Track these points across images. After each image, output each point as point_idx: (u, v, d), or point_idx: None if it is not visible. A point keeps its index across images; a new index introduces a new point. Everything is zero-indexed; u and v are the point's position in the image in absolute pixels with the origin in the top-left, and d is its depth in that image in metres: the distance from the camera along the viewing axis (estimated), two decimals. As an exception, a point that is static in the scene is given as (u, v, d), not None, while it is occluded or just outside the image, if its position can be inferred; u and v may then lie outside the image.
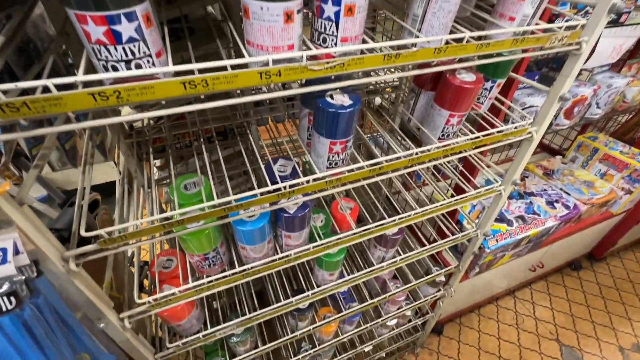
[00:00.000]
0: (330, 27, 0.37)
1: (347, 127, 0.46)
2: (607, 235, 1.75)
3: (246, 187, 0.97)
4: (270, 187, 0.48)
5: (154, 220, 0.43)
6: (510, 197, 1.33)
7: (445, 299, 1.14)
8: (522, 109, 0.95)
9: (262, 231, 0.53)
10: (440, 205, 0.73)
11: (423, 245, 0.87)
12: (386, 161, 0.55)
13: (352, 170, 0.53)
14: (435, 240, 0.87)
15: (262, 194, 0.49)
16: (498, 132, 0.63)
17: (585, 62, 0.99)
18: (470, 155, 0.85)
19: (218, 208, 0.47)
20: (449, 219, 0.98)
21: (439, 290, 1.11)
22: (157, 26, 0.33)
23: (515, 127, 0.67)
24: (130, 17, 0.28)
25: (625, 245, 1.93)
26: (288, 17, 0.33)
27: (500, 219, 1.23)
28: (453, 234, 0.90)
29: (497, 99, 0.79)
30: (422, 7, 0.43)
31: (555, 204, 1.35)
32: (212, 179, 0.53)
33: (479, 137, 0.60)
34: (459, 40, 0.44)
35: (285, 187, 0.49)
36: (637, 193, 1.42)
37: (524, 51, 0.53)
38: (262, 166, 0.54)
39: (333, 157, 0.50)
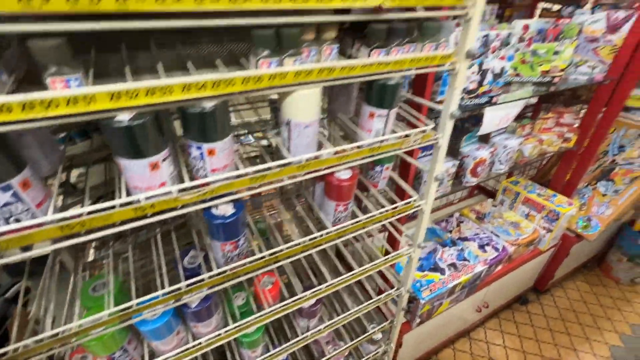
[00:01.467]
0: (200, 162, 0.46)
1: (232, 232, 0.54)
2: (544, 269, 1.89)
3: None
4: (168, 289, 0.54)
5: (43, 339, 0.46)
6: (444, 245, 1.43)
7: (389, 354, 1.17)
8: (472, 158, 1.08)
9: (167, 326, 0.57)
10: (352, 274, 0.80)
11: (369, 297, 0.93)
12: (286, 248, 0.63)
13: (251, 261, 0.60)
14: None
15: (163, 294, 0.54)
16: (392, 209, 0.74)
17: (478, 132, 1.16)
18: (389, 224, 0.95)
19: (119, 314, 0.51)
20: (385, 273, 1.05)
21: (380, 346, 1.14)
22: (40, 181, 0.40)
23: (407, 203, 0.78)
24: (6, 188, 0.35)
25: (565, 274, 2.08)
26: (154, 166, 0.41)
27: (435, 268, 1.32)
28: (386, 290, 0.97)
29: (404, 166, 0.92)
30: (287, 132, 0.53)
31: (486, 248, 1.47)
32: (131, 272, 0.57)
33: (363, 219, 0.69)
34: (320, 155, 0.54)
35: (184, 287, 0.55)
36: (556, 230, 1.58)
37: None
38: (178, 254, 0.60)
39: (227, 254, 0.57)
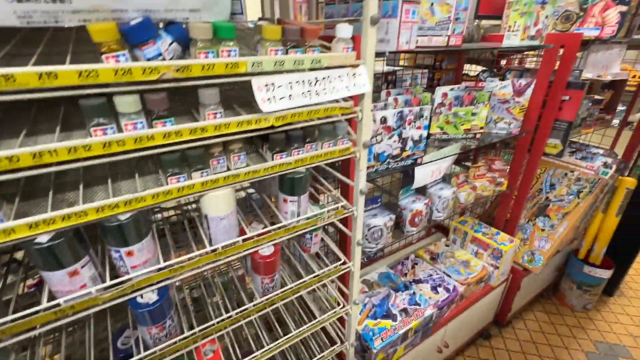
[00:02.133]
0: (120, 262, 0.53)
1: (157, 317, 0.59)
2: (501, 303, 1.98)
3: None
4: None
5: None
6: (396, 290, 1.50)
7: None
8: (368, 230, 1.17)
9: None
10: (287, 338, 0.85)
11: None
12: (216, 322, 0.68)
13: (181, 339, 0.64)
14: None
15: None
16: (315, 276, 0.81)
17: (412, 185, 1.28)
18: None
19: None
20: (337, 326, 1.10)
21: (335, 401, 1.16)
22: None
23: (335, 267, 0.86)
24: None
25: (524, 305, 2.17)
26: (73, 273, 0.48)
27: (387, 314, 1.38)
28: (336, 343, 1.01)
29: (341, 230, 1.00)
30: (206, 224, 0.61)
31: (438, 289, 1.55)
32: None
33: (293, 286, 0.76)
34: (238, 241, 0.62)
35: (111, 372, 0.58)
36: (502, 267, 1.70)
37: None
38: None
39: (155, 336, 0.61)
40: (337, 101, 0.63)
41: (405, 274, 1.67)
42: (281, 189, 0.67)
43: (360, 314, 1.38)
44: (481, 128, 1.38)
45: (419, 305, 1.42)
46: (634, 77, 2.92)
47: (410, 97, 1.24)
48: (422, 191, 1.41)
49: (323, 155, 0.65)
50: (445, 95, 1.30)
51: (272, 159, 0.60)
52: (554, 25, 1.46)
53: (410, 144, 1.08)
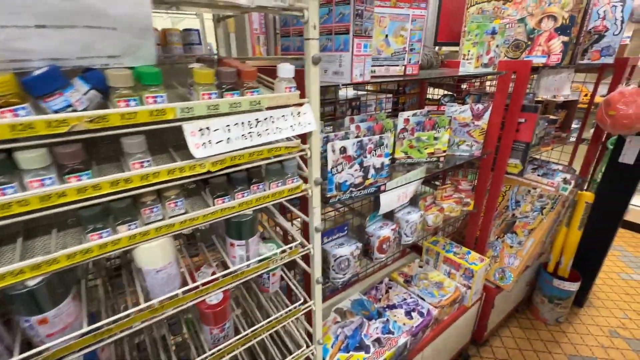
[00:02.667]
0: (32, 331, 0.46)
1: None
2: (476, 322, 1.97)
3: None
4: None
5: None
6: (370, 318, 1.46)
7: None
8: (335, 260, 1.14)
9: None
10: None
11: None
12: (158, 382, 0.62)
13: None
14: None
15: None
16: (272, 320, 0.76)
17: (379, 212, 1.27)
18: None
19: None
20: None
21: None
22: None
23: (295, 308, 0.82)
24: None
25: (500, 322, 2.18)
26: (-31, 352, 0.41)
27: (360, 346, 1.33)
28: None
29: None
30: (141, 277, 0.56)
31: (412, 314, 1.53)
32: None
33: (247, 334, 0.71)
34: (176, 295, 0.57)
35: None
36: (475, 286, 1.70)
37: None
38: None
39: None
40: (288, 139, 0.61)
41: (380, 299, 1.63)
42: (228, 233, 0.63)
43: (332, 346, 1.32)
44: (444, 151, 1.40)
45: (393, 333, 1.38)
46: (585, 95, 3.13)
47: (373, 123, 1.25)
48: (390, 216, 1.40)
49: (271, 196, 0.62)
50: (407, 121, 1.33)
51: (214, 204, 0.57)
52: (506, 53, 1.53)
53: (372, 172, 1.08)
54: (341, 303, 1.56)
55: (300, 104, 0.60)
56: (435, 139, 1.38)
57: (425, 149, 1.39)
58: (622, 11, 1.60)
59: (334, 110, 1.43)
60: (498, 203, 2.03)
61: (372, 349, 1.31)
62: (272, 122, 0.57)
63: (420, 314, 1.52)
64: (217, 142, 0.51)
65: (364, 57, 0.89)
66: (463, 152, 1.52)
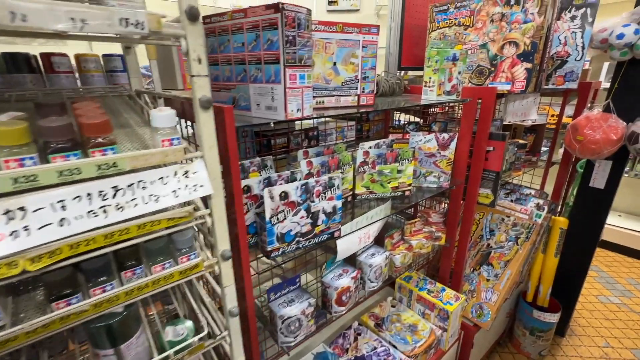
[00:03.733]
0: None
1: None
2: (455, 364, 1.82)
3: None
4: None
5: None
6: (333, 378, 1.27)
7: None
8: (282, 322, 0.97)
9: None
10: None
11: None
12: None
13: None
14: None
15: None
16: None
17: (336, 257, 1.11)
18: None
19: None
20: None
21: None
22: None
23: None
24: None
25: (481, 359, 2.03)
26: None
27: (320, 416, 1.14)
28: None
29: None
30: None
31: (383, 367, 1.35)
32: None
33: None
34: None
35: None
36: (451, 328, 1.55)
37: None
38: None
39: None
40: (187, 206, 0.45)
41: (347, 350, 1.45)
42: (91, 341, 0.45)
43: (287, 420, 1.12)
44: (409, 185, 1.28)
45: (359, 396, 1.20)
46: (552, 116, 3.17)
47: (328, 158, 1.11)
48: (352, 259, 1.25)
49: (152, 284, 0.45)
50: (367, 153, 1.20)
51: (51, 310, 0.39)
52: (470, 79, 1.46)
53: (322, 217, 0.93)
54: (304, 357, 1.36)
55: (189, 160, 0.45)
56: (399, 172, 1.26)
57: (389, 182, 1.26)
58: (582, 37, 1.58)
59: (287, 142, 1.29)
60: (472, 232, 1.93)
61: (334, 421, 1.12)
62: (143, 188, 0.41)
63: (392, 366, 1.35)
64: (40, 228, 0.34)
65: (302, 90, 0.75)
66: (431, 183, 1.41)
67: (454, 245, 1.63)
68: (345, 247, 1.09)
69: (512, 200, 1.97)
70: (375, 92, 1.40)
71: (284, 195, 0.84)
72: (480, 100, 1.35)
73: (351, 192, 1.24)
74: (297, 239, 0.90)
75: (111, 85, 1.02)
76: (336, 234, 0.98)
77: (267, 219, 0.82)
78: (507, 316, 2.15)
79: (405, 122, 1.46)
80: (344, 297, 1.10)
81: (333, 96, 0.97)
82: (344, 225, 1.05)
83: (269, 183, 0.92)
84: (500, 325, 2.12)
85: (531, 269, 2.10)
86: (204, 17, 0.78)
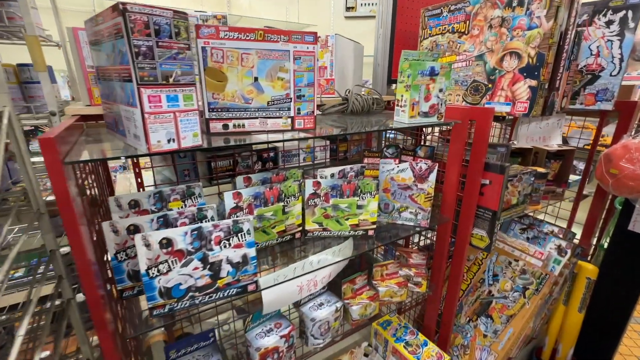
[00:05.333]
0: None
1: None
2: None
3: None
4: None
5: None
6: None
7: None
8: (255, 349, 0.80)
9: None
10: None
11: None
12: None
13: None
14: None
15: None
16: None
17: (262, 311, 0.92)
18: None
19: None
20: None
21: None
22: None
23: None
24: None
25: None
26: None
27: None
28: None
29: None
30: None
31: None
32: None
33: None
34: None
35: None
36: (428, 396, 1.29)
37: None
38: None
39: None
40: None
41: (298, 407, 1.24)
42: None
43: None
44: (373, 223, 1.06)
45: None
46: (603, 136, 2.71)
47: (264, 189, 0.93)
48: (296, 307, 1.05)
49: None
50: (317, 184, 1.00)
51: None
52: (465, 97, 1.21)
53: (227, 268, 0.75)
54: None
55: None
56: (360, 207, 1.04)
57: (347, 219, 1.05)
58: (620, 47, 1.25)
59: (233, 165, 1.12)
60: (472, 275, 1.63)
61: None
62: None
63: None
64: None
65: (174, 115, 0.58)
66: (406, 220, 1.17)
67: (440, 296, 1.36)
68: (273, 298, 0.90)
69: (527, 239, 1.64)
70: (345, 109, 1.20)
71: (167, 243, 0.67)
72: (472, 123, 1.10)
73: (300, 228, 1.05)
74: (190, 294, 0.73)
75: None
76: (250, 288, 0.79)
77: (143, 271, 0.66)
78: (515, 376, 1.81)
79: (391, 144, 1.23)
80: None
81: (256, 118, 0.79)
82: (275, 274, 0.86)
83: (165, 222, 0.76)
84: (505, 386, 1.78)
85: (549, 322, 1.75)
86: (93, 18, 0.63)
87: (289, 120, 0.83)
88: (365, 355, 1.48)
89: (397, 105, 1.03)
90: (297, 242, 1.06)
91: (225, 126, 0.77)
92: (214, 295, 0.76)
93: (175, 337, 1.26)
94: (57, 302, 0.98)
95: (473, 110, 1.09)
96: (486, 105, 1.14)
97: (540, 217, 1.84)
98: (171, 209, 0.83)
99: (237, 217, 0.90)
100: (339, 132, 0.86)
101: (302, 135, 0.82)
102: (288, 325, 0.94)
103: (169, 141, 0.59)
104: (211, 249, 0.72)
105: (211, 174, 1.09)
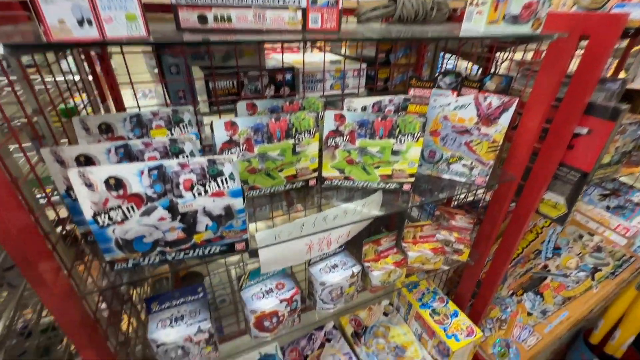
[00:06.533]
0: None
1: None
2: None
3: None
4: None
5: None
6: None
7: None
8: (157, 347, 0.69)
9: None
10: None
11: None
12: None
13: None
14: None
15: None
16: None
17: (260, 270, 0.76)
18: None
19: None
20: None
21: None
22: None
23: None
24: None
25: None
26: None
27: None
28: None
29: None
30: None
31: (339, 394, 1.06)
32: None
33: None
34: None
35: None
36: (450, 369, 1.15)
37: None
38: None
39: None
40: None
41: (306, 357, 1.18)
42: None
43: None
44: (411, 175, 0.81)
45: None
46: None
47: (266, 120, 0.70)
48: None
49: None
50: (340, 119, 0.75)
51: None
52: (576, 0, 0.80)
53: (205, 222, 0.57)
54: (247, 356, 1.14)
55: None
56: (395, 153, 0.78)
57: (377, 167, 0.81)
58: None
59: (237, 87, 0.88)
60: (527, 244, 1.36)
61: None
62: None
63: (351, 397, 1.05)
64: None
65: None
66: (456, 175, 0.89)
67: (482, 265, 1.13)
68: (273, 257, 0.73)
69: (608, 208, 1.29)
70: (390, 14, 0.86)
71: (117, 184, 0.49)
72: (586, 39, 0.72)
73: (315, 174, 0.83)
74: (160, 248, 0.57)
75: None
76: (239, 247, 0.62)
77: (89, 217, 0.49)
78: (552, 353, 1.62)
79: (438, 74, 0.89)
80: (266, 323, 0.78)
81: (249, 7, 0.52)
82: (276, 229, 0.67)
83: (127, 155, 0.57)
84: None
85: (608, 305, 1.47)
86: None
87: (299, 13, 0.54)
88: (385, 314, 1.36)
89: (471, 3, 0.68)
90: (310, 192, 0.85)
91: (203, 19, 0.51)
92: (191, 252, 0.59)
93: (180, 277, 1.20)
94: None
95: (589, 19, 0.71)
96: (615, 11, 0.73)
97: (630, 182, 1.43)
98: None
99: (230, 153, 0.70)
100: (372, 37, 0.56)
101: (319, 37, 0.54)
102: (292, 287, 0.79)
103: (80, 23, 0.36)
104: (180, 196, 0.53)
105: (210, 97, 0.87)
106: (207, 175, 0.52)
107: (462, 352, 1.11)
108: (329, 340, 1.24)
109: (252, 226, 0.74)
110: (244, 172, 0.74)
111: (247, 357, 1.13)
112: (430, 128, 0.85)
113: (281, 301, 0.76)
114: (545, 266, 1.28)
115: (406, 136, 0.76)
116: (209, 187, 0.53)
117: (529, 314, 1.26)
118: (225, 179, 0.53)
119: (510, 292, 1.35)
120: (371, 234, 0.98)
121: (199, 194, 0.53)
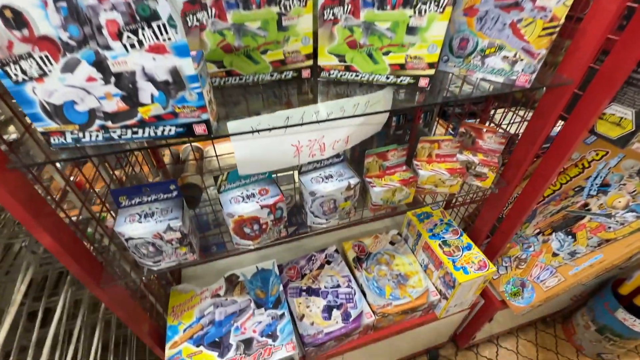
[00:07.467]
0: None
1: None
2: (459, 328, 1.41)
3: None
4: None
5: None
6: (260, 305, 1.02)
7: None
8: (127, 241, 0.64)
9: None
10: None
11: None
12: None
13: None
14: None
15: None
16: None
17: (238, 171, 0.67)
18: None
19: None
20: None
21: None
22: None
23: None
24: None
25: (500, 332, 1.57)
26: None
27: (218, 343, 0.93)
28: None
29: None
30: None
31: (334, 312, 1.04)
32: None
33: None
34: None
35: None
36: (453, 300, 1.08)
37: None
38: None
39: None
40: None
41: (304, 276, 1.16)
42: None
43: (185, 330, 0.96)
44: (431, 65, 0.63)
45: (275, 338, 0.94)
46: None
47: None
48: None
49: None
50: (340, -24, 0.56)
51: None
52: None
53: (149, 89, 0.45)
54: (243, 269, 1.13)
55: None
56: (412, 30, 0.60)
57: (386, 53, 0.63)
58: None
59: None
60: (566, 180, 1.16)
61: (230, 353, 0.91)
62: None
63: (346, 316, 1.03)
64: None
65: None
66: (491, 73, 0.70)
67: (509, 195, 0.97)
68: (251, 156, 0.62)
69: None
70: None
71: (18, 20, 0.37)
72: None
73: (309, 63, 0.67)
74: (100, 122, 0.47)
75: None
76: (198, 130, 0.51)
77: (-5, 66, 0.39)
78: (572, 299, 1.52)
79: None
80: (247, 230, 0.71)
81: None
82: (252, 119, 0.55)
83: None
84: (555, 305, 1.53)
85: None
86: None
87: None
88: (392, 243, 1.28)
89: None
90: (304, 85, 0.70)
91: None
92: (140, 131, 0.49)
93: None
94: None
95: None
96: None
97: None
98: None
99: (194, 17, 0.55)
100: None
101: None
102: (276, 195, 0.70)
103: None
104: (107, 47, 0.40)
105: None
106: (137, 17, 0.39)
107: (469, 285, 1.02)
108: (329, 262, 1.19)
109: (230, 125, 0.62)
110: (217, 49, 0.60)
111: (245, 270, 1.13)
112: (465, 1, 0.64)
113: (262, 207, 0.68)
114: (586, 204, 1.10)
115: (428, 4, 0.56)
116: (144, 36, 0.40)
117: (555, 255, 1.13)
118: (163, 25, 0.40)
119: (537, 230, 1.20)
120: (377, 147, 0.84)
121: (132, 45, 0.41)
